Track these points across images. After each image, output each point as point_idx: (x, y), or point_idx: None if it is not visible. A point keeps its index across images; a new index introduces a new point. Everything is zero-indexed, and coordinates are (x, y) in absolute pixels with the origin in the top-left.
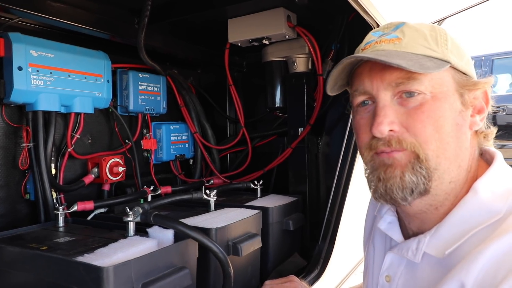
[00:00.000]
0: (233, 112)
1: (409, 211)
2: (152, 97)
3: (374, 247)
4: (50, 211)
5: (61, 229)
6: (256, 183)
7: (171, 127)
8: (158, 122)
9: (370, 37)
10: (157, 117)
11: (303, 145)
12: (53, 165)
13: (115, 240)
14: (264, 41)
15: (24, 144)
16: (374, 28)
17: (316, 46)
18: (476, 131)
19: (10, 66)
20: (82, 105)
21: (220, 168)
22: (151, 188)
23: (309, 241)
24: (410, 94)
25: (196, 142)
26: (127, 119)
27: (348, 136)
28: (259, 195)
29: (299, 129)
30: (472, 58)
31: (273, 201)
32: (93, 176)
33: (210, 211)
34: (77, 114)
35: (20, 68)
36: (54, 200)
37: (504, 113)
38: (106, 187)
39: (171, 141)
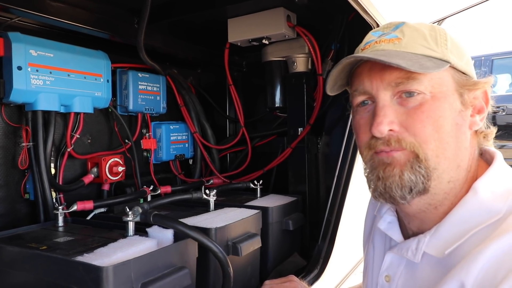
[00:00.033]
0: (232, 112)
1: (408, 210)
2: (152, 97)
3: (373, 247)
4: (49, 210)
5: (60, 229)
6: (256, 183)
7: (171, 127)
8: (157, 122)
9: (370, 37)
10: (156, 116)
11: (303, 145)
12: (52, 165)
13: (114, 240)
14: (264, 41)
15: (24, 144)
16: (374, 28)
17: (316, 46)
18: (476, 131)
19: (9, 66)
20: (82, 105)
21: (220, 168)
22: (151, 188)
23: (309, 241)
24: (410, 94)
25: (196, 142)
26: (127, 119)
27: (348, 136)
28: (258, 195)
29: (299, 129)
30: (472, 58)
31: (272, 201)
32: (92, 176)
33: (209, 211)
34: (77, 113)
35: (19, 68)
36: (54, 200)
37: (503, 113)
38: (106, 187)
39: (170, 141)
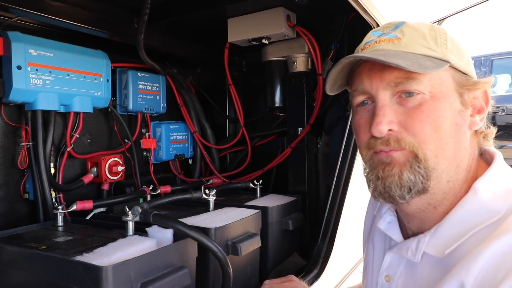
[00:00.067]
0: (232, 111)
1: (408, 210)
2: (152, 97)
3: (373, 247)
4: (49, 210)
5: (60, 229)
6: (256, 182)
7: (171, 127)
8: (157, 122)
9: (370, 36)
10: (156, 116)
11: (303, 144)
12: (52, 165)
13: (114, 239)
14: (263, 41)
15: (23, 143)
16: (374, 28)
17: (316, 45)
18: (476, 131)
19: (9, 65)
20: (82, 105)
21: (220, 167)
22: (151, 188)
23: (309, 241)
24: (409, 94)
25: (196, 142)
26: (127, 119)
27: (347, 135)
28: (258, 195)
29: (299, 129)
30: (472, 58)
31: (272, 201)
32: (92, 175)
33: (209, 211)
34: (77, 113)
35: (19, 67)
36: (53, 200)
37: (503, 113)
38: (105, 187)
39: (170, 141)
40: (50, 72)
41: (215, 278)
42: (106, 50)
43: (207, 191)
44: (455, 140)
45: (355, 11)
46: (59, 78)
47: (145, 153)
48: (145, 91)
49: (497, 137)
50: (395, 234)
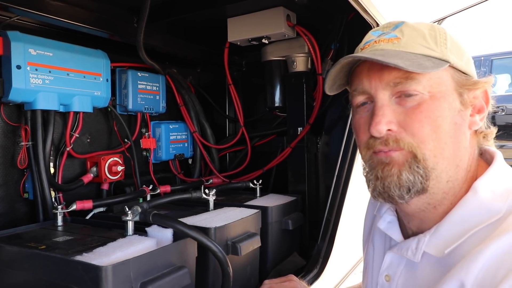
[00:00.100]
0: (232, 111)
1: (407, 210)
2: (151, 96)
3: (373, 247)
4: (48, 210)
5: (59, 228)
6: (255, 182)
7: (170, 126)
8: (157, 121)
9: (370, 36)
10: (156, 116)
11: (303, 144)
12: (52, 164)
13: (114, 239)
14: (263, 40)
15: (23, 143)
16: (374, 28)
17: (316, 45)
18: (475, 131)
19: (8, 65)
20: (81, 104)
21: (219, 167)
22: (150, 187)
23: (308, 241)
24: (408, 95)
25: (195, 142)
26: (126, 118)
27: (347, 135)
28: (258, 195)
29: (299, 129)
30: (472, 58)
31: (272, 201)
32: (92, 175)
33: (209, 211)
34: (76, 113)
35: (18, 67)
36: (53, 199)
37: (503, 113)
38: (105, 186)
39: (170, 140)
40: (49, 71)
41: (215, 278)
42: (106, 50)
43: (206, 190)
44: (454, 140)
45: (355, 10)
46: (58, 78)
47: (144, 153)
48: (145, 91)
49: (497, 137)
50: (395, 234)
